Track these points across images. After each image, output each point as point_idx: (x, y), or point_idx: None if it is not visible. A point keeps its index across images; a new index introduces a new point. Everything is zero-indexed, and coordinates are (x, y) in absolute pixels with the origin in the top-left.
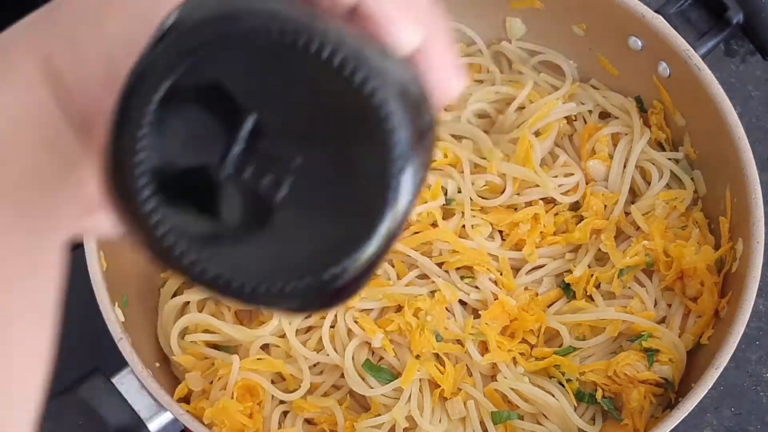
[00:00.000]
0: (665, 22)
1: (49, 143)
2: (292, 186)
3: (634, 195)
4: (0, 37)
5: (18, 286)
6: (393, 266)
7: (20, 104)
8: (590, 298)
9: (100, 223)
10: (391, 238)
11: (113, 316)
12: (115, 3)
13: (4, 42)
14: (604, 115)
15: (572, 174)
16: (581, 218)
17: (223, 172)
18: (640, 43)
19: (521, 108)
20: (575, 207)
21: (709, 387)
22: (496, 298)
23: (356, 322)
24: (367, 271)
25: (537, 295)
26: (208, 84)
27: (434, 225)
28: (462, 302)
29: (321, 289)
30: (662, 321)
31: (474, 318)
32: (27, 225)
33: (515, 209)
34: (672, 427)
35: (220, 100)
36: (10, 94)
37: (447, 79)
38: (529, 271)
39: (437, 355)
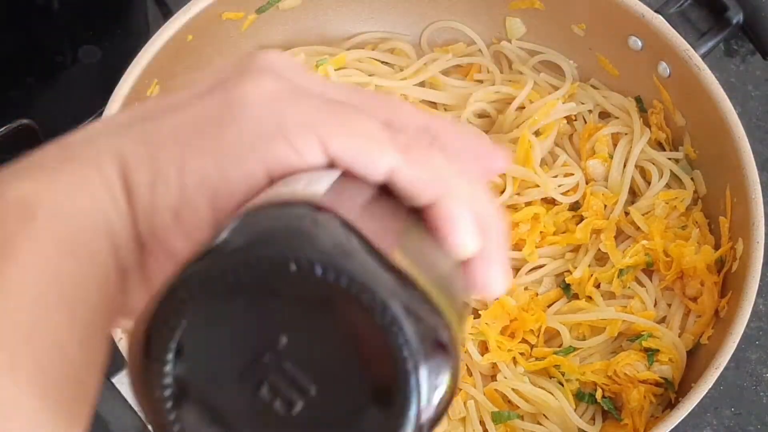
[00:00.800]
0: (665, 21)
1: (109, 256)
2: (305, 407)
3: (634, 195)
4: (87, 130)
5: None
6: None
7: (83, 208)
8: (590, 298)
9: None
10: None
11: None
12: (204, 142)
13: (87, 136)
14: (604, 115)
15: (572, 174)
16: (581, 218)
17: (243, 387)
18: (640, 43)
19: (521, 108)
20: (575, 207)
21: (709, 387)
22: (496, 298)
23: None
24: None
25: (537, 295)
26: (236, 308)
27: None
28: None
29: None
30: (662, 321)
31: (474, 318)
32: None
33: (515, 209)
34: (672, 427)
35: (245, 321)
36: (77, 194)
37: (488, 284)
38: (529, 271)
39: None
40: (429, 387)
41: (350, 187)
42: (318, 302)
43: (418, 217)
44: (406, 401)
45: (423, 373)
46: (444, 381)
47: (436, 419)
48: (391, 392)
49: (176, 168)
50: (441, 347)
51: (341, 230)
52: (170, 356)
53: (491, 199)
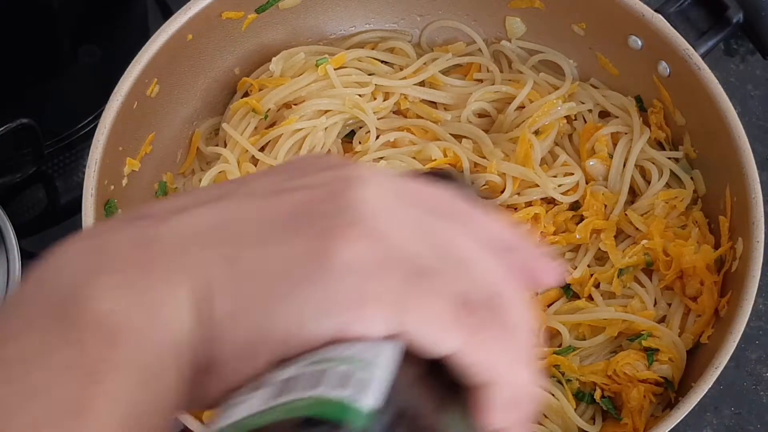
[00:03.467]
0: (665, 21)
1: (177, 382)
2: None
3: (634, 194)
4: (178, 225)
5: None
6: None
7: (167, 332)
8: (590, 298)
9: None
10: None
11: None
12: (290, 291)
13: (177, 238)
14: (604, 115)
15: (572, 174)
16: (581, 218)
17: None
18: (640, 43)
19: (521, 107)
20: (575, 207)
21: (709, 386)
22: None
23: None
24: None
25: (537, 294)
26: None
27: None
28: None
29: None
30: (662, 320)
31: None
32: None
33: (515, 209)
34: (672, 427)
35: None
36: (157, 318)
37: None
38: None
39: None
40: None
41: (405, 367)
42: None
43: (456, 383)
44: None
45: None
46: None
47: None
48: None
49: (260, 308)
50: None
51: None
52: None
53: (535, 380)
